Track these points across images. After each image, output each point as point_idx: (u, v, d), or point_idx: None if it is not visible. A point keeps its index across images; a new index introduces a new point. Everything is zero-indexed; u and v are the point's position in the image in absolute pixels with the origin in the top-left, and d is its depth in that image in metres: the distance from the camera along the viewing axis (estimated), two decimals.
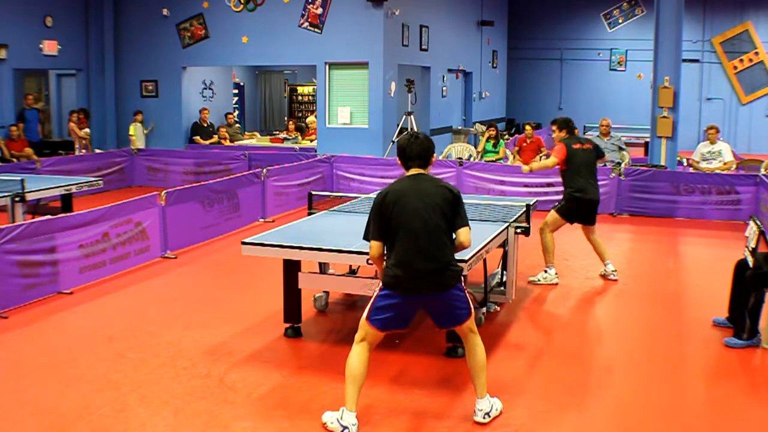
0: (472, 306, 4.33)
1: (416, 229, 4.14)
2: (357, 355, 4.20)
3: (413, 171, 4.32)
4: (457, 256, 4.97)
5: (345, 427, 4.11)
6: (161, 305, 6.70)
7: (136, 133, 15.18)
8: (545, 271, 7.45)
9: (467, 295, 4.33)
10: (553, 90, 23.13)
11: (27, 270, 6.50)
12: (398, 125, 14.20)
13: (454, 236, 4.27)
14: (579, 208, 7.37)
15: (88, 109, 15.80)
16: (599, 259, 7.69)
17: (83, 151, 15.07)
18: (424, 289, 4.16)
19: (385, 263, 4.28)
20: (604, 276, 7.62)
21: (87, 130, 15.43)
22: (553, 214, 7.48)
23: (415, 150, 4.30)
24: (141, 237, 7.91)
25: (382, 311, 4.22)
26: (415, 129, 14.12)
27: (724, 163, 11.94)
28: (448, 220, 4.22)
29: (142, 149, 14.27)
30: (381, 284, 4.27)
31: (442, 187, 4.28)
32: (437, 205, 4.18)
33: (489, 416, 4.33)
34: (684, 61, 13.22)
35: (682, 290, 7.49)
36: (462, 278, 4.31)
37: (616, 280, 7.51)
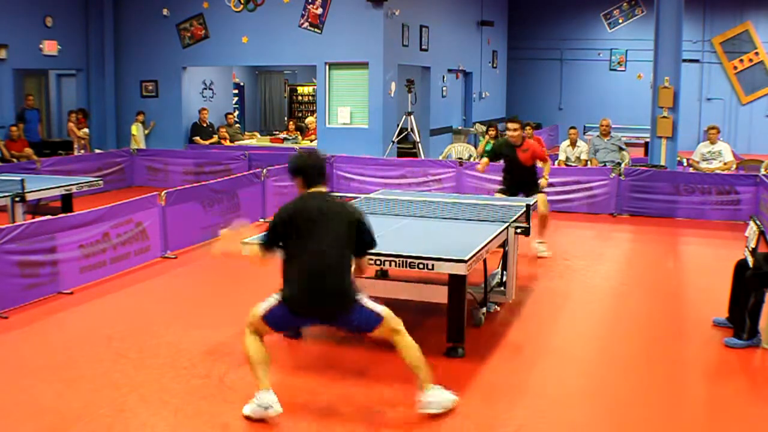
0: (378, 311, 4.29)
1: (314, 251, 4.18)
2: (253, 343, 4.31)
3: (317, 189, 4.37)
4: (457, 255, 5.00)
5: (268, 406, 4.24)
6: (161, 305, 6.71)
7: (138, 132, 15.20)
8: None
9: (365, 305, 4.29)
10: (553, 90, 23.13)
11: (27, 270, 6.50)
12: (398, 125, 14.20)
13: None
14: None
15: (86, 110, 15.80)
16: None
17: (82, 151, 15.08)
18: (315, 314, 4.30)
19: (283, 278, 4.31)
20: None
21: (86, 130, 15.44)
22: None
23: (320, 167, 4.43)
24: (141, 237, 7.91)
25: (277, 318, 4.30)
26: (416, 129, 14.13)
27: (724, 163, 11.94)
28: (349, 244, 4.28)
29: (142, 149, 14.28)
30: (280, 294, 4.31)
31: (345, 211, 4.33)
32: (340, 228, 4.23)
33: (440, 406, 4.35)
34: (684, 61, 13.21)
35: (682, 290, 7.49)
36: (357, 292, 4.30)
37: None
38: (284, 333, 5.71)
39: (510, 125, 8.33)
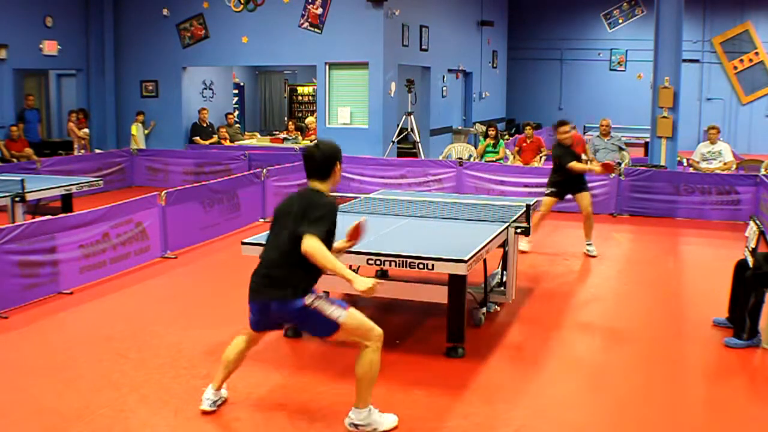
0: (334, 317, 4.02)
1: (268, 242, 4.22)
2: (234, 341, 4.40)
3: (312, 183, 4.18)
4: (457, 255, 4.99)
5: (211, 400, 4.40)
6: (161, 305, 6.70)
7: (138, 133, 15.20)
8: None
9: (318, 309, 4.04)
10: (553, 90, 23.14)
11: (27, 270, 6.50)
12: (398, 125, 14.20)
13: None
14: None
15: (87, 110, 15.80)
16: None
17: (82, 151, 15.08)
18: (258, 296, 4.14)
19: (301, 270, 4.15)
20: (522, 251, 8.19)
21: (86, 130, 15.44)
22: None
23: (309, 161, 4.16)
24: (141, 237, 7.91)
25: (251, 312, 4.26)
26: (416, 129, 14.13)
27: (724, 164, 11.94)
28: (297, 226, 3.98)
29: (142, 149, 14.28)
30: None
31: (308, 202, 4.04)
32: (292, 211, 4.04)
33: (356, 428, 4.13)
34: (684, 61, 13.22)
35: (682, 290, 7.49)
36: (303, 292, 4.05)
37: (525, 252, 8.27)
38: (284, 333, 5.71)
39: (562, 128, 8.41)
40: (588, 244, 8.59)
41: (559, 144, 8.49)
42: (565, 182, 8.49)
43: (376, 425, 4.15)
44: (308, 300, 4.06)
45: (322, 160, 4.12)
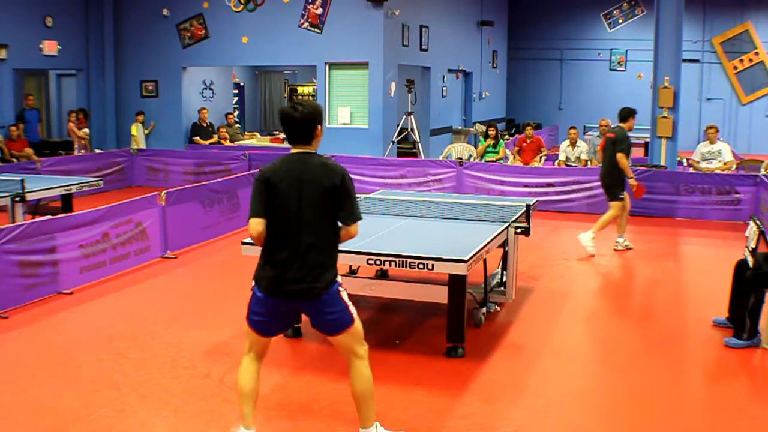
0: (353, 315, 3.80)
1: (291, 223, 3.69)
2: (244, 369, 3.84)
3: (299, 149, 3.77)
4: (457, 255, 5.00)
5: None
6: (161, 305, 6.70)
7: (138, 133, 15.19)
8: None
9: (345, 301, 3.78)
10: (553, 90, 23.14)
11: (27, 270, 6.50)
12: (398, 125, 14.20)
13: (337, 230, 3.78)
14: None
15: (87, 110, 15.80)
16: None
17: (82, 151, 15.08)
18: (293, 295, 3.71)
19: (260, 254, 3.82)
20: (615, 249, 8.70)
21: (86, 130, 15.44)
22: None
23: (301, 123, 3.71)
24: (141, 237, 7.91)
25: (257, 314, 3.82)
26: (416, 129, 14.13)
27: (724, 163, 11.93)
28: (330, 212, 3.71)
29: (142, 149, 14.28)
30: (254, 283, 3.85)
31: (328, 169, 3.70)
32: (318, 195, 3.67)
33: None
34: (684, 61, 13.21)
35: (682, 290, 7.49)
36: (338, 282, 3.77)
37: (621, 250, 8.66)
38: (284, 333, 5.71)
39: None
40: (620, 237, 8.83)
41: (625, 134, 8.52)
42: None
43: None
44: (340, 284, 3.80)
45: (304, 123, 3.72)
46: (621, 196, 8.53)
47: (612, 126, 12.88)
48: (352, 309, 3.83)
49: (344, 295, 3.80)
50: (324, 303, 3.72)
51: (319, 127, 3.79)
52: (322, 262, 3.72)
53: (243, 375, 3.85)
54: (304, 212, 3.68)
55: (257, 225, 3.73)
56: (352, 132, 14.31)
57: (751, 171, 11.87)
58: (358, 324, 3.83)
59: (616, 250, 8.68)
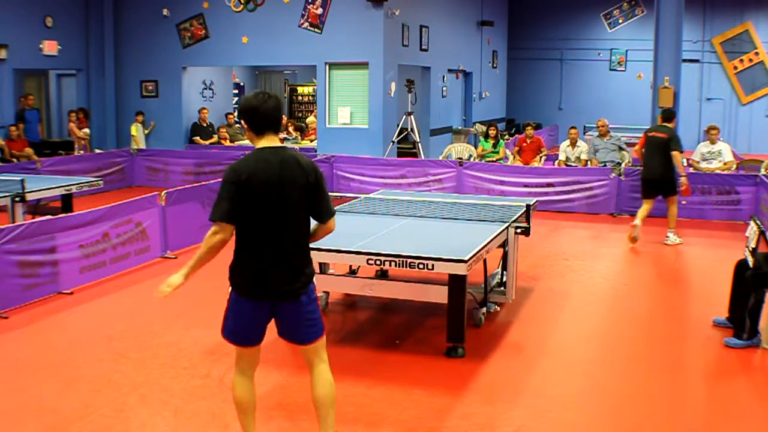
0: (322, 326, 3.74)
1: (270, 224, 3.53)
2: (238, 384, 3.73)
3: (268, 142, 3.58)
4: (457, 255, 5.00)
5: None
6: (161, 305, 6.68)
7: (138, 133, 15.19)
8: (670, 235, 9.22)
9: (319, 306, 3.75)
10: (553, 90, 23.13)
11: (27, 270, 6.50)
12: (398, 125, 14.20)
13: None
14: (644, 184, 9.27)
15: (87, 109, 15.79)
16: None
17: (81, 151, 15.07)
18: (275, 295, 3.58)
19: (233, 261, 3.70)
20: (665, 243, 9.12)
21: (86, 130, 15.43)
22: None
23: (272, 112, 3.54)
24: (141, 237, 7.91)
25: (236, 322, 3.67)
26: (416, 129, 14.13)
27: (724, 163, 11.92)
28: (306, 209, 3.60)
29: (142, 149, 14.28)
30: (231, 289, 3.72)
31: (302, 167, 3.57)
32: (299, 191, 3.55)
33: None
34: (684, 61, 13.21)
35: (682, 290, 7.49)
36: (314, 283, 3.70)
37: (674, 244, 9.06)
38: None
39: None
40: (671, 232, 9.21)
41: (676, 133, 9.12)
42: None
43: None
44: (315, 288, 3.71)
45: (275, 111, 3.58)
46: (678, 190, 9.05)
47: (612, 126, 12.90)
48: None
49: (319, 301, 3.76)
50: (304, 303, 3.61)
51: (284, 116, 3.60)
52: (302, 261, 3.63)
53: (238, 389, 3.72)
54: (283, 212, 3.53)
55: (225, 232, 3.51)
56: (352, 132, 14.31)
57: (751, 171, 11.86)
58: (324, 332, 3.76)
59: (666, 244, 9.11)
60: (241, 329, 3.67)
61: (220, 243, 3.56)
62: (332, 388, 3.72)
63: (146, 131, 15.56)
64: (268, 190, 3.50)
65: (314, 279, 3.71)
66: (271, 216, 3.53)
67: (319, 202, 3.62)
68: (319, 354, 3.75)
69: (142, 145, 15.08)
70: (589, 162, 12.42)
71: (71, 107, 16.54)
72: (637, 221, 8.90)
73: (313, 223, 3.70)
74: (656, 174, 9.01)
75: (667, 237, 9.11)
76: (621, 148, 12.54)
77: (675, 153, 8.81)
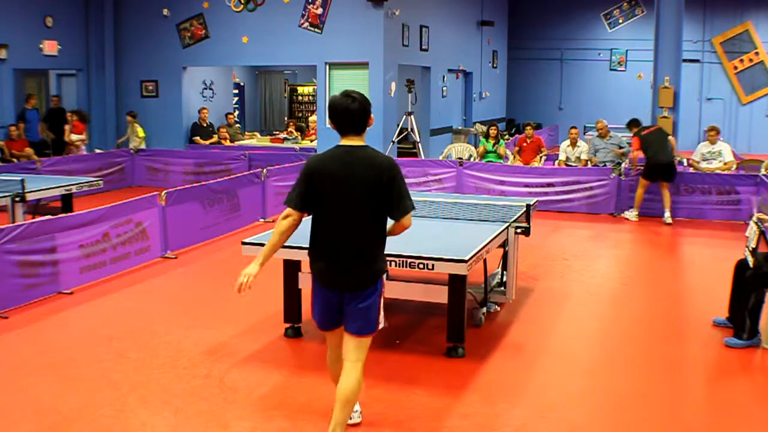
0: (379, 322, 3.82)
1: (336, 217, 3.70)
2: (330, 364, 4.02)
3: (349, 141, 3.74)
4: (457, 255, 5.00)
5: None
6: (161, 305, 6.70)
7: (133, 132, 15.03)
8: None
9: (379, 309, 3.81)
10: (553, 90, 23.14)
11: (27, 270, 6.50)
12: (398, 125, 14.20)
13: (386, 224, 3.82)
14: (654, 168, 10.57)
15: (84, 112, 15.49)
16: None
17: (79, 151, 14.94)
18: (341, 286, 3.73)
19: (309, 249, 3.84)
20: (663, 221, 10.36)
21: (81, 136, 14.89)
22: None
23: (355, 114, 3.68)
24: (141, 237, 7.91)
25: (316, 305, 3.88)
26: (416, 129, 14.13)
27: (725, 164, 11.92)
28: (377, 206, 3.70)
29: (142, 149, 14.26)
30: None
31: (377, 167, 3.67)
32: (368, 189, 3.65)
33: None
34: (684, 61, 13.21)
35: (682, 290, 7.49)
36: (382, 279, 3.82)
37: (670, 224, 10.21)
38: (284, 333, 5.71)
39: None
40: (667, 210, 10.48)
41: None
42: None
43: None
44: (384, 286, 3.84)
45: (361, 112, 3.69)
46: None
47: (612, 126, 12.89)
48: (382, 317, 3.84)
49: (381, 300, 3.83)
50: (363, 297, 3.73)
51: (372, 116, 3.80)
52: (365, 257, 3.74)
53: (330, 368, 4.05)
54: (346, 207, 3.68)
55: (294, 216, 3.72)
56: None
57: (751, 171, 11.86)
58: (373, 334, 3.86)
59: (666, 223, 10.36)
60: (319, 313, 3.88)
61: (287, 226, 3.74)
62: (356, 387, 3.77)
63: (140, 130, 15.25)
64: (330, 186, 3.67)
65: (384, 276, 3.84)
66: (335, 210, 3.70)
67: (391, 200, 3.71)
68: (359, 350, 3.82)
69: (142, 145, 14.98)
70: (589, 162, 12.41)
71: (71, 107, 16.51)
72: (635, 211, 10.54)
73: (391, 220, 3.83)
74: (666, 159, 10.45)
75: (666, 216, 10.38)
76: (621, 148, 12.52)
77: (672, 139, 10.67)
